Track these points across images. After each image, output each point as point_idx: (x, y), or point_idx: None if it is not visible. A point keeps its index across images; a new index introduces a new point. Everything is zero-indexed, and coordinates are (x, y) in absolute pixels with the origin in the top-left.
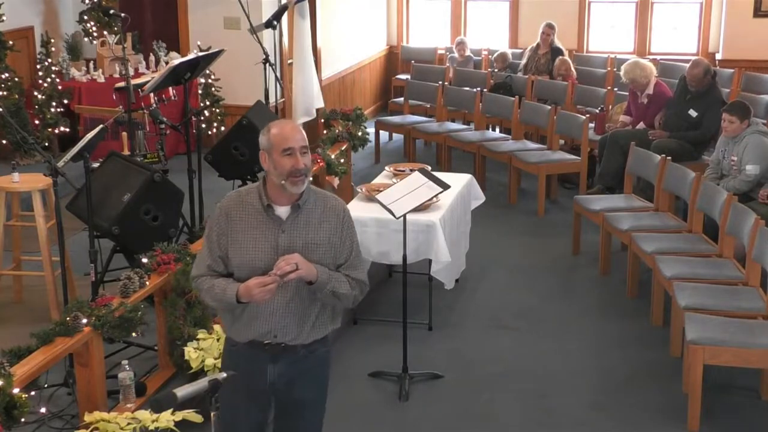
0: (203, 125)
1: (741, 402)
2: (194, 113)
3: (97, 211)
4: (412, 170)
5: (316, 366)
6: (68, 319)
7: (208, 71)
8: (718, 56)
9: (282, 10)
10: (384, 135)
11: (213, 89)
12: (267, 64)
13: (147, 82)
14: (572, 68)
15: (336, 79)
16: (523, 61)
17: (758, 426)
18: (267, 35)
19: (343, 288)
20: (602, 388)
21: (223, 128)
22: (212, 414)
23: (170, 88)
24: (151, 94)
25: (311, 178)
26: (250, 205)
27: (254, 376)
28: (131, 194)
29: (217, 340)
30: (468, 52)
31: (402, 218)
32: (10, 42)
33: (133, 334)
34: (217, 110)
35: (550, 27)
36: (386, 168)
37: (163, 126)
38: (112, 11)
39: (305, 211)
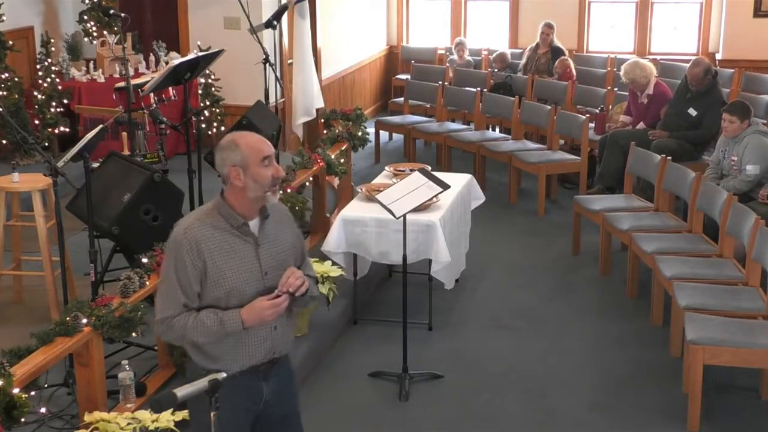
0: (203, 125)
1: (741, 402)
2: (194, 113)
3: (97, 212)
4: (412, 170)
5: (291, 371)
6: (68, 319)
7: (208, 71)
8: (718, 56)
9: (282, 10)
10: (384, 135)
11: (213, 89)
12: (267, 64)
13: (147, 82)
14: (572, 68)
15: (336, 79)
16: (523, 61)
17: (758, 426)
18: (267, 35)
19: (314, 290)
20: (602, 388)
21: (223, 128)
22: (212, 414)
23: (170, 88)
24: (151, 94)
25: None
26: (219, 228)
27: (251, 400)
28: (131, 194)
29: None
30: (467, 55)
31: (402, 218)
32: (10, 42)
33: (133, 334)
34: (217, 110)
35: (548, 27)
36: (386, 168)
37: (163, 126)
38: (111, 11)
39: (270, 220)
